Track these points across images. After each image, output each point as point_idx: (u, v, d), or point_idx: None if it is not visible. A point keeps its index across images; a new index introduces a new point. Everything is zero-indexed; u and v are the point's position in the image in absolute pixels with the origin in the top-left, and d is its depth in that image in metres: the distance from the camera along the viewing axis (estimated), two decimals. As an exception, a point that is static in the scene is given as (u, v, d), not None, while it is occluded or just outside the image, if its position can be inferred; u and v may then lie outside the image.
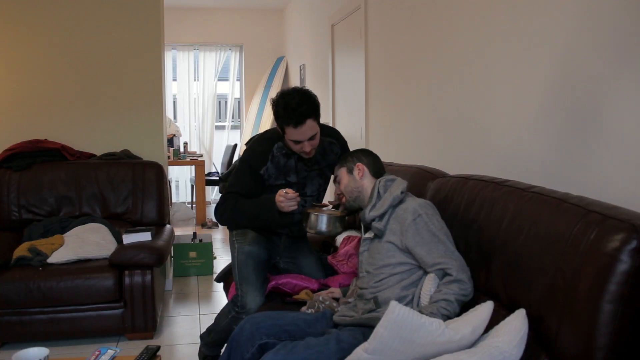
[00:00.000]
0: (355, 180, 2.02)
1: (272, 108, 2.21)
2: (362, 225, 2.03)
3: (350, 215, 2.29)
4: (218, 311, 2.59)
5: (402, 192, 1.88)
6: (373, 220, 1.90)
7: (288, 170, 2.34)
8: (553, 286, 1.39)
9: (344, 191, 2.05)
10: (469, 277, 1.70)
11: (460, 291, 1.66)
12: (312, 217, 2.15)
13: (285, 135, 2.21)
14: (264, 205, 2.21)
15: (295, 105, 2.12)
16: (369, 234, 1.94)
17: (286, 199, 2.11)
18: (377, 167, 2.06)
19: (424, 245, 1.76)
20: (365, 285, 1.88)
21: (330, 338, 1.69)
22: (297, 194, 2.14)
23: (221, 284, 3.08)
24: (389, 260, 1.82)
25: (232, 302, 2.42)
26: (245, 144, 2.52)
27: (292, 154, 2.33)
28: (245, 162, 2.38)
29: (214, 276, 4.35)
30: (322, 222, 2.14)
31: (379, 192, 1.93)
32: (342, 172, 2.06)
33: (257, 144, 2.40)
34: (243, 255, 2.41)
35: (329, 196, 2.70)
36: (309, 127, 2.16)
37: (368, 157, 2.07)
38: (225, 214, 2.34)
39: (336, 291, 2.20)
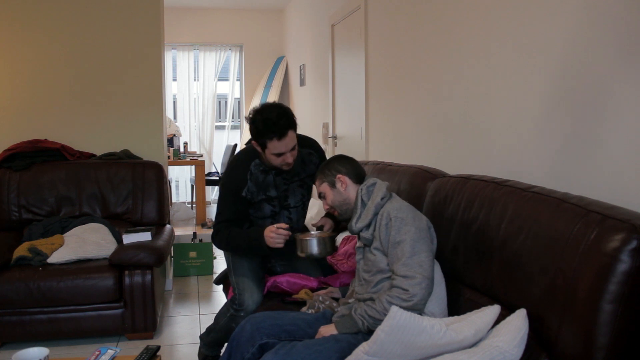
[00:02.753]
0: (341, 194, 1.96)
1: (250, 125, 2.23)
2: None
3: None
4: (218, 311, 2.59)
5: (382, 198, 1.84)
6: (361, 230, 1.87)
7: (267, 185, 2.38)
8: (553, 286, 1.39)
9: (333, 206, 1.99)
10: (413, 285, 1.63)
11: (399, 295, 1.64)
12: (303, 242, 2.19)
13: (266, 150, 2.23)
14: (254, 239, 2.25)
15: (275, 118, 2.16)
16: (360, 243, 1.93)
17: (277, 234, 2.15)
18: (357, 172, 1.99)
19: (390, 250, 1.75)
20: (362, 292, 1.86)
21: (329, 338, 1.70)
22: (288, 232, 2.16)
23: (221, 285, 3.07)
24: (379, 265, 1.80)
25: (230, 301, 2.43)
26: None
27: (269, 169, 2.37)
28: (226, 188, 2.42)
29: (214, 276, 4.35)
30: (312, 245, 2.18)
31: (362, 200, 1.89)
32: (325, 187, 1.99)
33: (234, 167, 2.42)
34: (237, 256, 2.44)
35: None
36: (291, 139, 2.20)
37: (345, 164, 1.99)
38: (221, 246, 2.41)
39: (335, 291, 2.20)
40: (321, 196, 2.03)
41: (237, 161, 2.42)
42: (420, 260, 1.68)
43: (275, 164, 2.28)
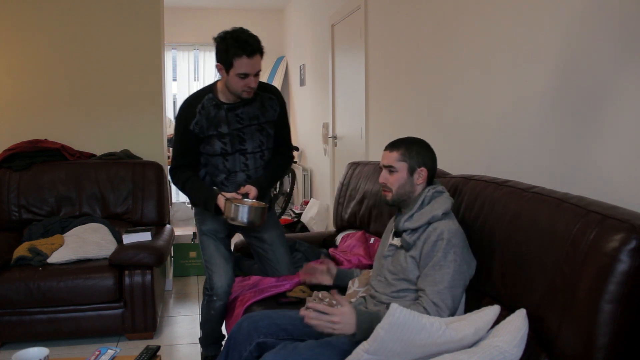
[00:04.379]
0: (413, 184, 1.83)
1: (219, 45, 2.22)
2: (393, 229, 1.90)
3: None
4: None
5: (443, 214, 1.74)
6: (405, 231, 1.80)
7: (219, 121, 2.34)
8: (553, 286, 1.39)
9: (397, 188, 1.82)
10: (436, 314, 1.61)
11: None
12: (233, 207, 2.13)
13: (231, 71, 2.21)
14: (205, 201, 2.30)
15: (246, 37, 2.19)
16: (397, 242, 1.84)
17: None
18: (433, 175, 1.88)
19: (428, 269, 1.69)
20: (381, 290, 1.83)
21: (332, 339, 1.69)
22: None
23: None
24: (409, 275, 1.75)
25: (204, 287, 2.47)
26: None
27: (222, 104, 2.34)
28: (177, 121, 2.40)
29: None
30: (243, 212, 2.14)
31: (423, 201, 1.79)
32: (403, 167, 1.83)
33: (187, 100, 2.41)
34: (203, 236, 2.47)
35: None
36: (257, 62, 2.22)
37: (433, 162, 1.88)
38: (178, 187, 2.44)
39: (333, 269, 2.10)
40: (391, 170, 1.84)
41: (191, 95, 2.42)
42: (455, 295, 1.65)
43: (237, 89, 2.25)
